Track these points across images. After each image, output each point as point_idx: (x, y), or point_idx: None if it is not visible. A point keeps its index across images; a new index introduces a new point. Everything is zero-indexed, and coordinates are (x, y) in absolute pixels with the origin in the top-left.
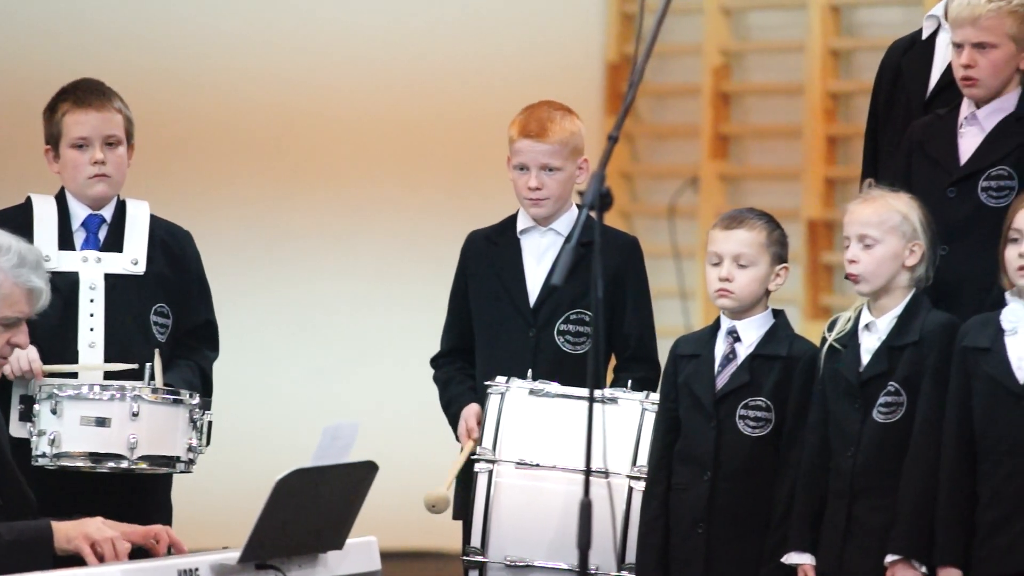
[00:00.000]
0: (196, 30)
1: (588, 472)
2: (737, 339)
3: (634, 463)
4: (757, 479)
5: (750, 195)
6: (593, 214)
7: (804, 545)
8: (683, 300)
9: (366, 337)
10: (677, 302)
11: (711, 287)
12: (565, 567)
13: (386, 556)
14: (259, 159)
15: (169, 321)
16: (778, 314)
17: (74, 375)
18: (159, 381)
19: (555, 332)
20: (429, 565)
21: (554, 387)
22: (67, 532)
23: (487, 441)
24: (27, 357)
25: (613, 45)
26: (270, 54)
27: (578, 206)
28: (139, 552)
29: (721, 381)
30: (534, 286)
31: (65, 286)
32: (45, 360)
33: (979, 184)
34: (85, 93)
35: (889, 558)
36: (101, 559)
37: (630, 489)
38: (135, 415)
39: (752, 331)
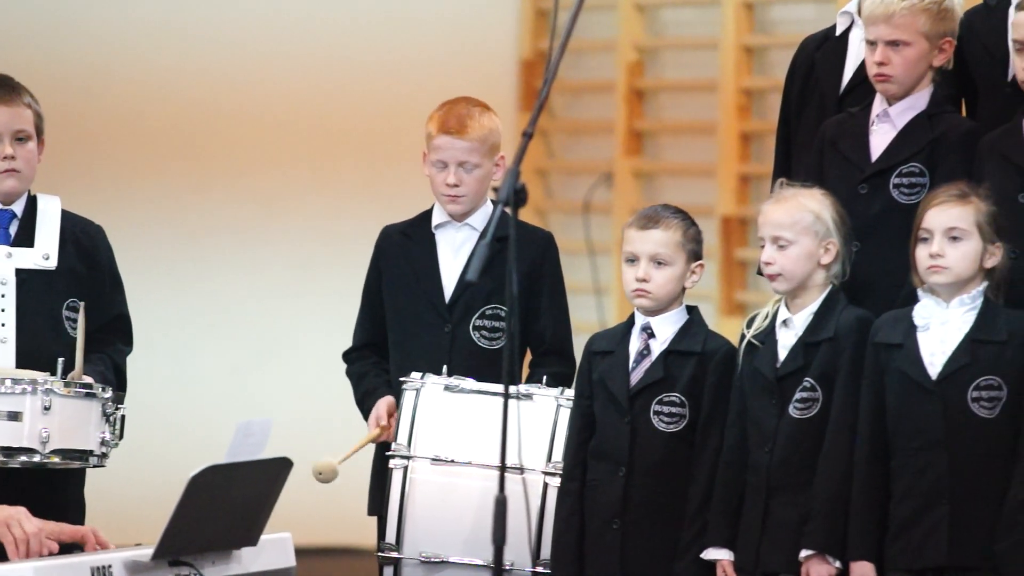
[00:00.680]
0: (105, 23)
1: (503, 468)
2: (651, 335)
3: (549, 459)
4: (672, 475)
5: (664, 191)
6: (508, 210)
7: (722, 540)
8: (598, 296)
9: (279, 332)
10: (592, 298)
11: (628, 287)
12: (480, 563)
13: (300, 552)
14: (171, 153)
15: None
16: (692, 310)
17: None
18: (78, 368)
19: (470, 328)
20: (343, 561)
21: (469, 383)
22: None
23: (402, 437)
24: None
25: (527, 41)
26: (182, 47)
27: (493, 202)
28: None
29: (635, 377)
30: (449, 281)
31: None
32: None
33: (891, 181)
34: None
35: (804, 553)
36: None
37: (545, 485)
38: (47, 409)
39: (666, 327)
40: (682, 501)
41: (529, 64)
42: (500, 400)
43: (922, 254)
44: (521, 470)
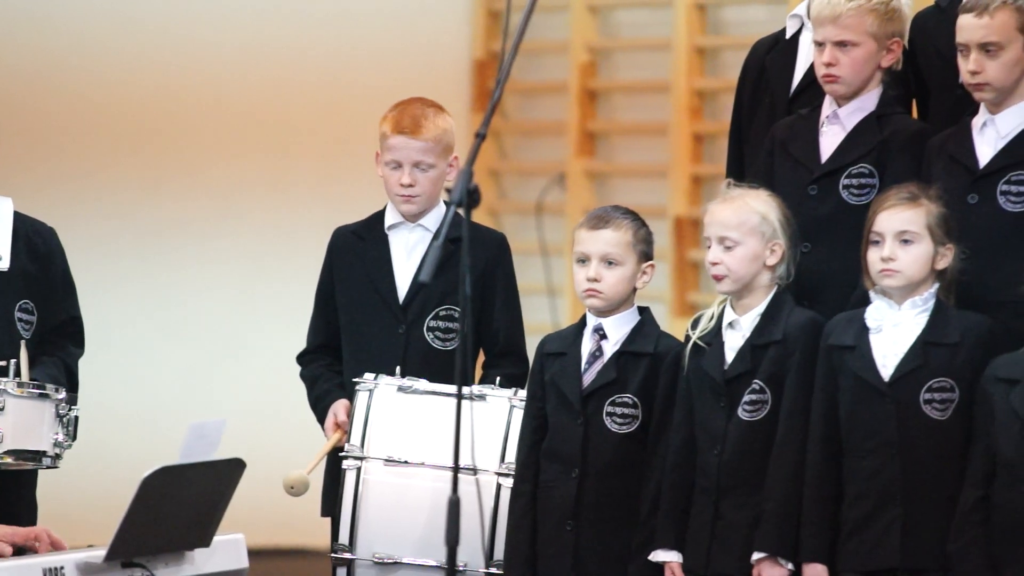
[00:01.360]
0: (55, 20)
1: (456, 469)
2: (604, 336)
3: (502, 460)
4: (625, 476)
5: (617, 192)
6: (461, 211)
7: (671, 542)
8: (551, 297)
9: (232, 332)
10: (545, 299)
11: (579, 287)
12: (433, 564)
13: (253, 553)
14: (125, 153)
15: (34, 318)
16: (644, 311)
17: None
18: (24, 375)
19: (424, 329)
20: (297, 562)
21: (423, 384)
22: None
23: (355, 438)
24: None
25: (480, 42)
26: (135, 43)
27: (446, 203)
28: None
29: (588, 379)
30: (403, 282)
31: None
32: None
33: (840, 182)
34: None
35: (755, 555)
36: None
37: (498, 486)
38: (0, 409)
39: (618, 329)
40: (635, 502)
41: (482, 65)
42: (453, 401)
43: (873, 257)
44: (474, 471)
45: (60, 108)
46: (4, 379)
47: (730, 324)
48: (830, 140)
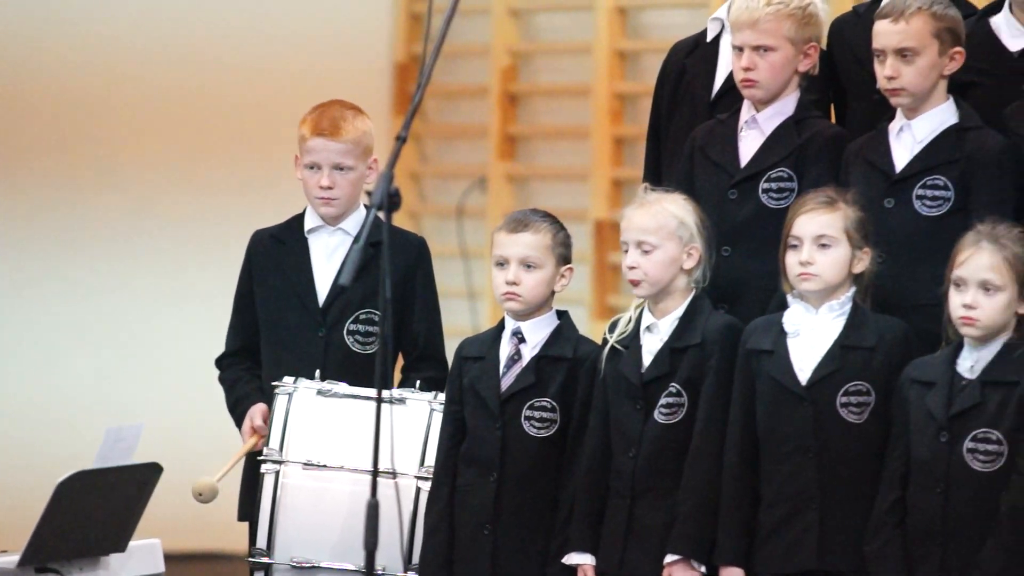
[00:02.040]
0: None
1: (376, 473)
2: (522, 340)
3: (422, 463)
4: (543, 480)
5: (538, 196)
6: (381, 214)
7: (585, 545)
8: (471, 300)
9: (150, 336)
10: (465, 302)
11: (497, 290)
12: (352, 568)
13: (170, 558)
14: (41, 152)
15: None
16: (562, 315)
17: None
18: None
19: (344, 332)
20: (214, 567)
21: (343, 387)
22: None
23: (274, 442)
24: None
25: (401, 45)
26: (51, 44)
27: (366, 206)
28: None
29: (506, 383)
30: (323, 286)
31: None
32: None
33: (759, 186)
34: None
35: (669, 558)
36: None
37: (418, 490)
38: None
39: (537, 332)
40: (554, 506)
41: (403, 68)
42: (373, 405)
43: (792, 261)
44: (394, 475)
45: None
46: None
47: (648, 328)
48: (749, 144)
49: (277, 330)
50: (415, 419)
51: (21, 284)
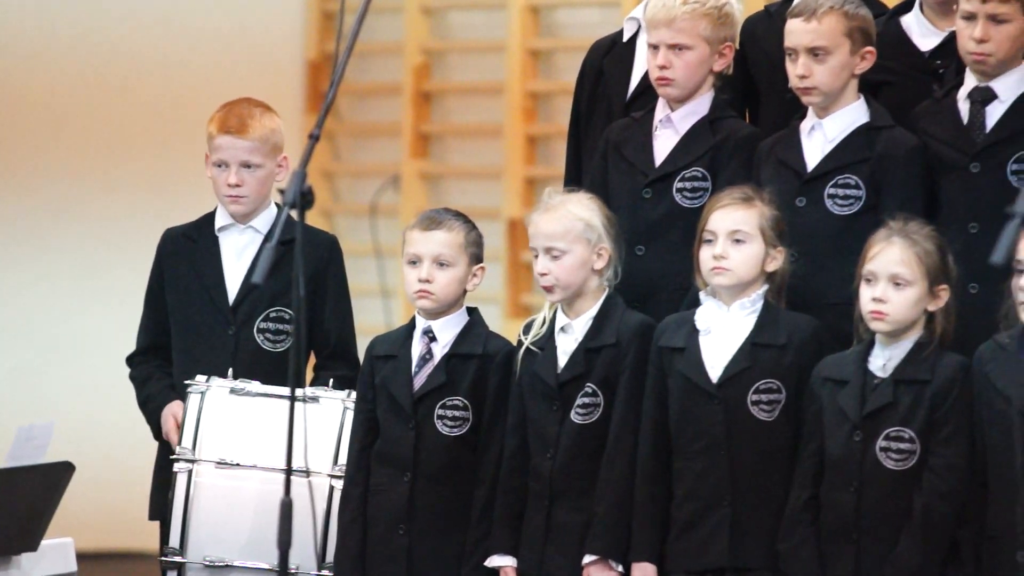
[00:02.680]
0: None
1: (289, 471)
2: (433, 339)
3: (335, 462)
4: (456, 479)
5: (451, 194)
6: (294, 213)
7: (506, 547)
8: (384, 299)
9: (62, 333)
10: (379, 300)
11: (410, 288)
12: (265, 567)
13: (82, 557)
14: None
15: None
16: (473, 312)
17: None
18: None
19: (254, 330)
20: (126, 566)
21: (255, 386)
22: None
23: (187, 441)
24: None
25: (314, 43)
26: None
27: (278, 205)
28: None
29: (418, 382)
30: (233, 284)
31: None
32: None
33: (674, 185)
34: None
35: (586, 558)
36: None
37: (331, 488)
38: None
39: (448, 331)
40: (468, 505)
41: (315, 66)
42: (286, 403)
43: (705, 255)
44: (307, 473)
45: None
46: None
47: (562, 328)
48: (664, 144)
49: (187, 328)
50: (328, 417)
51: None
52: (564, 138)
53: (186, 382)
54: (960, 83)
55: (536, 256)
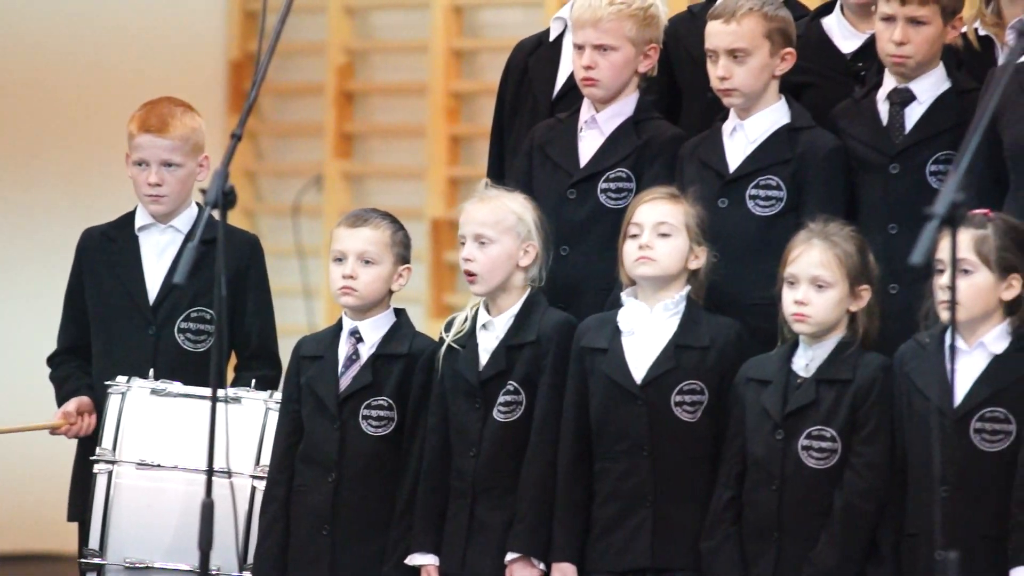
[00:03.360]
0: None
1: (210, 472)
2: (360, 340)
3: (257, 463)
4: (382, 478)
5: (374, 194)
6: (215, 212)
7: (428, 546)
8: (307, 299)
9: None
10: (301, 301)
11: (334, 285)
12: (186, 568)
13: (0, 559)
14: None
15: None
16: (400, 312)
17: None
18: None
19: (175, 330)
20: (44, 568)
21: (177, 386)
22: None
23: (107, 442)
24: None
25: (236, 43)
26: None
27: (199, 204)
28: None
29: (345, 382)
30: (153, 284)
31: None
32: None
33: (599, 186)
34: None
35: (508, 556)
36: None
37: (253, 489)
38: None
39: (374, 331)
40: (393, 505)
41: (238, 66)
42: (208, 404)
43: (630, 248)
44: (229, 474)
45: None
46: None
47: (484, 326)
48: (589, 144)
49: (107, 328)
50: (250, 418)
51: None
52: (487, 138)
53: (106, 383)
54: (880, 84)
55: (463, 243)
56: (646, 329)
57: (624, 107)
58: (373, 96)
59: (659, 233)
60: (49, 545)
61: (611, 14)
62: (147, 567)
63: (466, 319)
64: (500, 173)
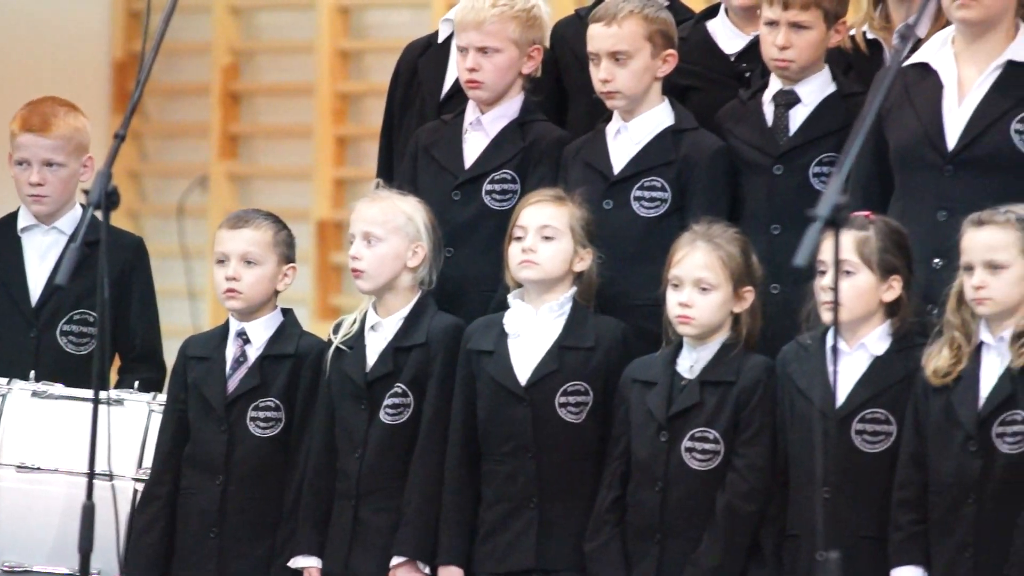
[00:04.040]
0: None
1: (92, 475)
2: (247, 341)
3: (140, 465)
4: (270, 480)
5: (260, 195)
6: (99, 213)
7: (311, 548)
8: (192, 300)
9: None
10: (186, 302)
11: (218, 288)
12: (67, 571)
13: None
14: None
15: None
16: (287, 313)
17: None
18: None
19: (57, 332)
20: None
21: (59, 389)
22: None
23: None
24: None
25: (120, 43)
26: None
27: (83, 205)
28: None
29: (232, 384)
30: (36, 285)
31: None
32: None
33: (483, 187)
34: None
35: (394, 560)
36: None
37: (135, 491)
38: None
39: (261, 332)
40: (281, 506)
41: (121, 65)
42: (90, 406)
43: (515, 251)
44: (110, 477)
45: None
46: None
47: (372, 327)
48: (474, 146)
49: None
50: (133, 420)
51: None
52: (374, 139)
53: None
54: (766, 86)
55: (352, 241)
56: (531, 331)
57: (509, 109)
58: (259, 96)
59: (543, 236)
60: None
61: (494, 16)
62: (26, 571)
63: (355, 321)
64: (390, 174)
